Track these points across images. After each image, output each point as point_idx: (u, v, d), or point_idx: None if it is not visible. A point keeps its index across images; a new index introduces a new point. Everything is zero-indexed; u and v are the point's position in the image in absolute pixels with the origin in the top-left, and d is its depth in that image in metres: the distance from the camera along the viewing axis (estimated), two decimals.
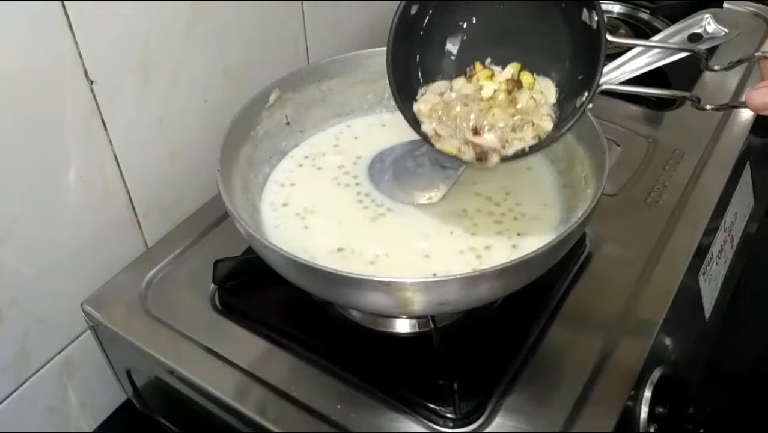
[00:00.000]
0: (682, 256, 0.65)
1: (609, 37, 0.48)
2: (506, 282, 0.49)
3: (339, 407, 0.53)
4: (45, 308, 0.63)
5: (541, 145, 0.51)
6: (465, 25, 0.55)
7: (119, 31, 0.59)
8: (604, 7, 1.01)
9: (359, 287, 0.47)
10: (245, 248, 0.64)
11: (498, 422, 0.52)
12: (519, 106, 0.51)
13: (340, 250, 0.56)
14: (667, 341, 0.61)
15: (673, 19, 0.95)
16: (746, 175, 0.82)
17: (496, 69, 0.54)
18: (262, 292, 0.61)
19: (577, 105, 0.51)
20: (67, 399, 0.69)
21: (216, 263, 0.62)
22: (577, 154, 0.60)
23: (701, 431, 0.57)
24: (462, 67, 0.56)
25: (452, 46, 0.57)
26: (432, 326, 0.54)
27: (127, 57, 0.61)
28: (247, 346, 0.59)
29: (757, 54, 0.43)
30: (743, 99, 0.45)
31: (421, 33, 0.55)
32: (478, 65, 0.55)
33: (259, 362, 0.57)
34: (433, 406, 0.53)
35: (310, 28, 0.81)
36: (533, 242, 0.55)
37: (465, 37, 0.56)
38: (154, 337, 0.60)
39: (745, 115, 0.82)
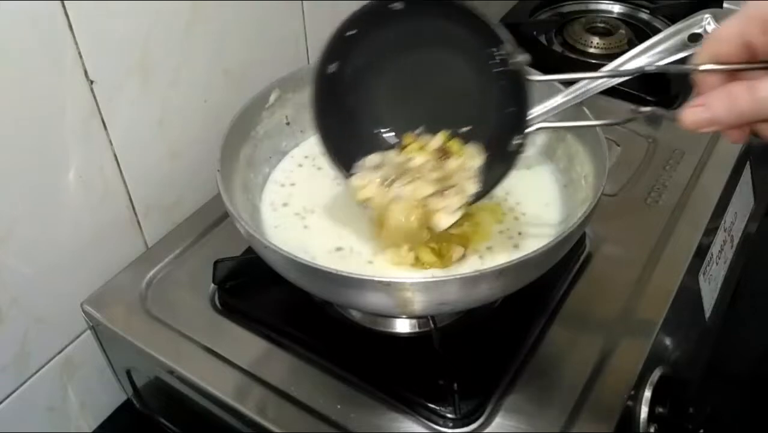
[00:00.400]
0: (682, 256, 0.65)
1: (543, 77, 0.49)
2: (506, 282, 0.49)
3: (339, 407, 0.53)
4: (45, 308, 0.63)
5: (477, 196, 0.53)
6: (387, 84, 0.55)
7: (119, 31, 0.59)
8: (603, 7, 1.02)
9: (359, 287, 0.47)
10: (245, 248, 0.64)
11: (498, 422, 0.52)
12: (448, 170, 0.52)
13: (339, 249, 0.56)
14: (667, 341, 0.61)
15: (673, 19, 0.95)
16: (746, 175, 0.82)
17: (426, 138, 0.55)
18: (262, 292, 0.61)
19: (512, 148, 0.51)
20: (67, 399, 0.69)
21: (216, 263, 0.62)
22: (577, 154, 0.60)
23: (701, 431, 0.57)
24: (396, 132, 0.56)
25: (380, 110, 0.56)
26: (432, 326, 0.54)
27: (127, 57, 0.61)
28: (247, 346, 0.59)
29: (685, 66, 0.41)
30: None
31: (347, 93, 0.55)
32: (407, 137, 0.55)
33: (259, 362, 0.57)
34: (433, 406, 0.53)
35: (310, 28, 0.81)
36: (534, 242, 0.55)
37: (391, 99, 0.56)
38: (154, 337, 0.60)
39: None
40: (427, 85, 0.55)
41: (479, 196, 0.53)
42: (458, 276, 0.46)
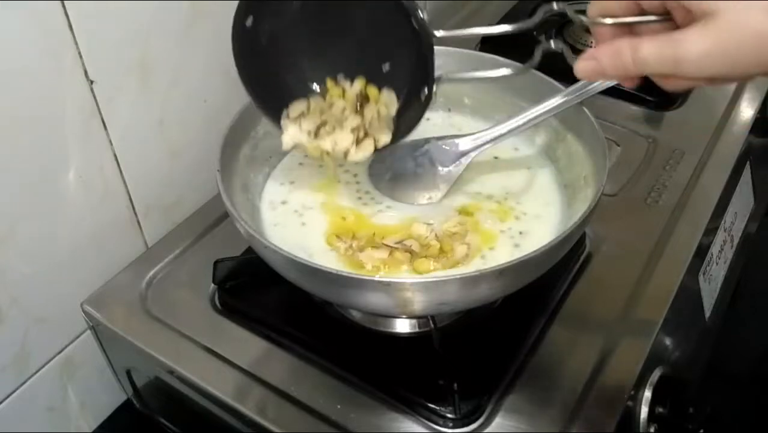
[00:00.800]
0: (682, 256, 0.65)
1: (445, 33, 0.50)
2: (506, 282, 0.49)
3: (339, 407, 0.53)
4: (45, 308, 0.63)
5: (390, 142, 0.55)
6: (305, 33, 0.56)
7: (119, 31, 0.59)
8: None
9: (359, 287, 0.47)
10: (245, 248, 0.64)
11: (498, 422, 0.52)
12: (366, 117, 0.55)
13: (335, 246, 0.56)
14: (667, 341, 0.61)
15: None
16: (746, 175, 0.82)
17: (346, 84, 0.57)
18: (262, 292, 0.61)
19: (422, 99, 0.53)
20: (67, 399, 0.69)
21: (216, 263, 0.62)
22: (577, 154, 0.60)
23: (701, 431, 0.57)
24: (319, 80, 0.58)
25: (302, 61, 0.57)
26: (432, 326, 0.54)
27: (127, 57, 0.61)
28: (247, 346, 0.59)
29: (583, 18, 0.43)
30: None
31: (267, 46, 0.56)
32: (329, 82, 0.57)
33: (259, 362, 0.57)
34: (433, 406, 0.53)
35: None
36: (536, 241, 0.55)
37: (311, 47, 0.57)
38: (154, 337, 0.60)
39: (745, 115, 0.82)
40: (345, 35, 0.56)
41: (392, 142, 0.55)
42: (458, 276, 0.46)
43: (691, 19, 0.36)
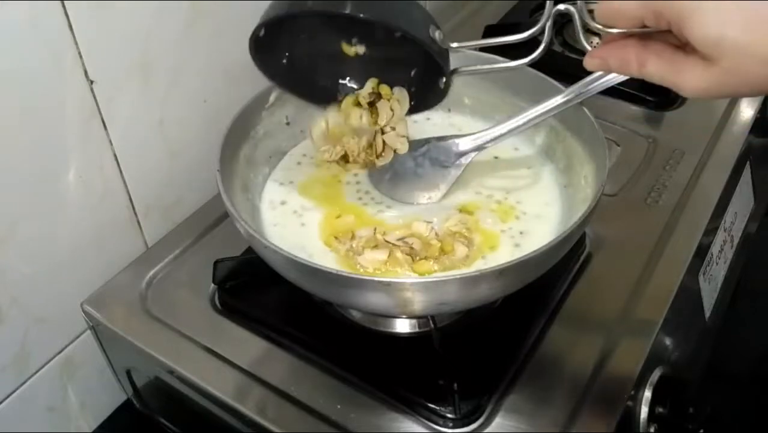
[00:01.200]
0: (682, 256, 0.65)
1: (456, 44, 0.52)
2: (506, 282, 0.49)
3: (339, 407, 0.53)
4: (45, 308, 0.63)
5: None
6: (317, 36, 0.58)
7: (119, 31, 0.59)
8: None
9: (359, 287, 0.47)
10: (245, 248, 0.64)
11: (498, 422, 0.52)
12: (381, 117, 0.58)
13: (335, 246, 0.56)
14: (667, 341, 0.61)
15: None
16: (746, 175, 0.82)
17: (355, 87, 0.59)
18: (262, 292, 0.61)
19: (441, 86, 0.55)
20: (67, 399, 0.69)
21: (216, 263, 0.62)
22: (577, 154, 0.60)
23: (701, 431, 0.57)
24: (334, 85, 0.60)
25: (317, 66, 0.59)
26: (432, 326, 0.54)
27: (127, 57, 0.61)
28: (247, 346, 0.59)
29: (591, 23, 0.45)
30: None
31: (285, 58, 0.59)
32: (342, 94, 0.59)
33: (259, 362, 0.57)
34: (433, 406, 0.53)
35: None
36: (536, 241, 0.55)
37: (325, 49, 0.58)
38: (154, 337, 0.60)
39: (745, 115, 0.82)
40: (356, 32, 0.58)
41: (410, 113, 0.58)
42: (458, 276, 0.46)
43: (692, 47, 0.38)
